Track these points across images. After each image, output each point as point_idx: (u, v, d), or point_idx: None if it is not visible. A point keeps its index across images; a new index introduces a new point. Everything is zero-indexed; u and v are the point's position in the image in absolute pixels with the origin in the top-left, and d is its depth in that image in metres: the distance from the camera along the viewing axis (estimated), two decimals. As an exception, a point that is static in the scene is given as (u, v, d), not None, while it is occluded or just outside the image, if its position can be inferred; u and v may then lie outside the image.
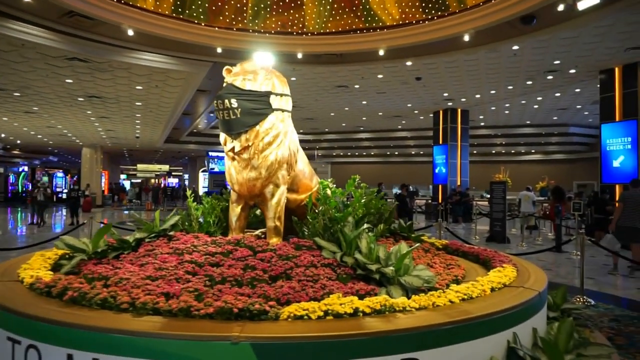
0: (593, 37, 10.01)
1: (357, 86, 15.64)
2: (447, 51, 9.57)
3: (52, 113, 15.58)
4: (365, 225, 3.29)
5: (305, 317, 2.15)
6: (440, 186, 20.14)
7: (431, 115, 20.60)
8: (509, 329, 2.43)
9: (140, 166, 43.30)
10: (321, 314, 2.18)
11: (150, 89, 11.42)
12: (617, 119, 12.59)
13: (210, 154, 31.86)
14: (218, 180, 29.62)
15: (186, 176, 45.51)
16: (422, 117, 22.08)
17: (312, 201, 3.71)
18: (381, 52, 9.06)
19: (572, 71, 13.30)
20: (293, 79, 14.44)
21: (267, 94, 3.59)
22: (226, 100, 3.41)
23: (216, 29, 8.83)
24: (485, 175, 23.35)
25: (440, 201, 19.48)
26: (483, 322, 2.29)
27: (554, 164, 28.62)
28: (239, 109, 3.44)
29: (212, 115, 21.06)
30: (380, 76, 14.13)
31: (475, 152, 28.96)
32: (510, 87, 15.51)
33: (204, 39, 8.64)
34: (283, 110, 3.72)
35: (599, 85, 13.32)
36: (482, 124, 24.50)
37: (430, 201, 21.21)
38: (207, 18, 9.26)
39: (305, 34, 9.24)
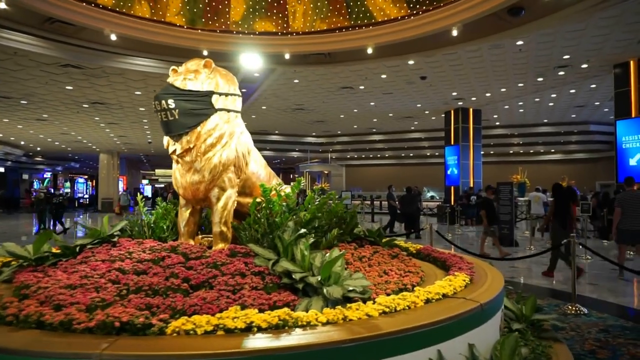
0: (600, 29, 9.52)
1: (362, 87, 15.42)
2: (439, 47, 9.24)
3: (62, 120, 15.90)
4: (302, 230, 3.09)
5: (192, 332, 1.97)
6: (452, 188, 19.66)
7: (443, 115, 20.17)
8: (433, 345, 2.19)
9: (158, 171, 43.98)
10: (210, 328, 1.99)
11: (149, 94, 11.49)
12: (632, 115, 11.98)
13: (224, 158, 32.01)
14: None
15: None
16: (434, 118, 21.66)
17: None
18: (369, 50, 8.82)
19: (584, 66, 12.75)
20: (296, 81, 14.35)
21: (209, 94, 3.43)
22: (163, 101, 3.27)
23: (199, 31, 8.79)
24: (502, 176, 22.64)
25: (452, 203, 19.03)
26: (397, 338, 2.06)
27: (575, 163, 27.62)
28: (177, 110, 3.29)
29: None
30: (384, 76, 13.88)
31: (491, 152, 28.27)
32: (521, 85, 15.00)
33: (187, 42, 8.60)
34: (228, 110, 3.56)
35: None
36: (497, 123, 23.86)
37: (442, 203, 20.73)
38: (203, 22, 9.26)
39: (291, 34, 9.09)
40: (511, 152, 28.56)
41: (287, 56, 9.27)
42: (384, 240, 4.61)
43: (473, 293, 2.75)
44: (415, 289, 2.70)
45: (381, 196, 24.70)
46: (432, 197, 28.22)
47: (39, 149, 26.91)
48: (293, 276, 2.64)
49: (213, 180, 3.45)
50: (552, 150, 27.88)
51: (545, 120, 23.41)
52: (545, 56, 11.81)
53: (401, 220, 13.87)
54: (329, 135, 29.32)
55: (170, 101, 3.28)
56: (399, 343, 2.06)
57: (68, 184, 36.39)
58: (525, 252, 10.15)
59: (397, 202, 14.31)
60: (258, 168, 3.93)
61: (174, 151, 3.45)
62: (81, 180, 37.61)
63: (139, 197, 4.03)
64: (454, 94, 16.36)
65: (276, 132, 27.92)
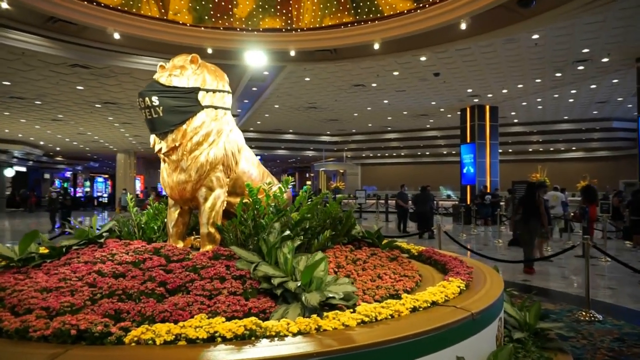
0: (620, 20, 9.11)
1: (374, 85, 15.21)
2: (449, 41, 8.93)
3: (77, 120, 16.11)
4: (286, 232, 2.94)
5: (150, 341, 1.85)
6: (468, 187, 19.26)
7: (458, 113, 19.78)
8: (416, 358, 2.02)
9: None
10: (170, 338, 1.86)
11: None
12: (656, 111, 11.46)
13: (240, 156, 32.11)
14: (248, 183, 29.86)
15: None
16: (449, 115, 21.28)
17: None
18: (376, 46, 8.60)
19: (605, 60, 12.27)
20: (307, 79, 14.23)
21: (194, 90, 3.31)
22: (146, 98, 3.17)
23: (202, 29, 8.70)
24: (521, 174, 22.12)
25: (468, 202, 18.64)
26: (374, 351, 1.89)
27: (598, 161, 26.79)
28: (161, 107, 3.18)
29: (233, 117, 21.17)
30: (396, 73, 13.63)
31: (510, 150, 27.68)
32: (539, 81, 14.55)
33: (191, 40, 8.53)
34: (216, 107, 3.43)
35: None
36: (515, 120, 23.29)
37: (458, 202, 20.33)
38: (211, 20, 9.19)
39: (295, 30, 8.94)
40: (530, 150, 27.89)
41: (292, 53, 9.12)
42: (384, 241, 4.44)
43: (466, 301, 2.56)
44: (403, 296, 2.52)
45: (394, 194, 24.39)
46: (448, 196, 27.77)
47: (58, 148, 27.43)
48: (272, 281, 2.49)
49: (200, 180, 3.33)
50: (574, 148, 27.11)
51: (566, 117, 22.73)
52: (563, 50, 11.40)
53: (414, 219, 13.60)
54: (344, 134, 29.11)
55: (154, 98, 3.17)
56: (376, 356, 1.90)
57: (88, 183, 37.06)
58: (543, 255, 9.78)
59: (409, 202, 14.06)
60: (250, 167, 3.80)
61: (160, 150, 3.35)
62: (100, 179, 38.27)
63: (129, 197, 3.94)
64: (469, 90, 15.99)
65: (290, 131, 27.85)
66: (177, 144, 3.28)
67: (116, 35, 7.82)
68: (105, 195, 36.86)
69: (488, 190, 18.11)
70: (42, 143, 24.15)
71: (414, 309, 2.35)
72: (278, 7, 8.92)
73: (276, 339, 1.90)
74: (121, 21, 7.71)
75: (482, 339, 2.45)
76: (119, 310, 2.30)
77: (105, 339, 1.88)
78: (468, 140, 19.12)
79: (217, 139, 3.42)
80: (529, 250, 7.83)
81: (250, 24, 8.84)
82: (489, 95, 16.83)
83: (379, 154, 32.76)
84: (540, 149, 27.76)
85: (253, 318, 2.00)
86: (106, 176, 42.40)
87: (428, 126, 25.46)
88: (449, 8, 7.28)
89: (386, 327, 2.07)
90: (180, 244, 3.54)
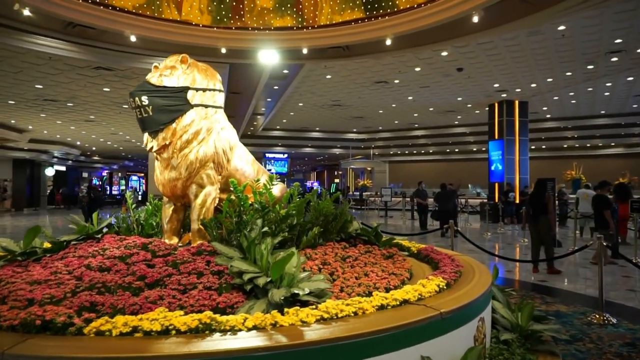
0: (652, 8, 8.62)
1: (396, 81, 15.02)
2: (464, 35, 8.66)
3: (108, 120, 16.74)
4: (265, 228, 2.97)
5: (107, 333, 1.91)
6: (496, 184, 18.73)
7: (487, 108, 19.26)
8: (374, 356, 2.00)
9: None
10: (127, 329, 1.92)
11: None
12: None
13: (267, 155, 32.49)
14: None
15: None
16: (477, 111, 20.76)
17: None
18: (388, 42, 8.47)
19: (640, 51, 11.64)
20: (328, 76, 14.22)
21: (183, 90, 3.39)
22: (137, 98, 3.27)
23: (215, 29, 8.84)
24: (555, 172, 21.25)
25: (496, 200, 18.15)
26: (326, 348, 1.89)
27: (639, 157, 25.44)
28: (151, 107, 3.28)
29: (258, 116, 21.45)
30: (417, 69, 13.43)
31: (543, 147, 26.71)
32: (569, 74, 13.97)
33: (205, 40, 8.68)
34: (206, 106, 3.50)
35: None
36: (548, 116, 22.44)
37: (486, 200, 19.80)
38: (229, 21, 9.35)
39: (306, 28, 8.92)
40: (565, 146, 26.80)
41: (304, 51, 9.13)
42: (383, 239, 4.40)
43: (441, 299, 2.51)
44: (374, 293, 2.50)
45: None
46: (478, 193, 27.07)
47: (94, 148, 28.56)
48: (242, 277, 2.53)
49: (190, 177, 3.41)
50: (612, 144, 25.87)
51: (603, 112, 21.71)
52: (593, 41, 10.90)
53: (436, 217, 13.37)
54: (370, 131, 28.89)
55: (144, 98, 3.27)
56: (328, 353, 1.89)
57: (123, 181, 38.44)
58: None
59: (426, 200, 13.83)
60: (243, 165, 3.84)
61: (151, 148, 3.45)
62: (135, 177, 39.60)
63: (128, 194, 4.07)
64: (496, 85, 15.54)
65: (317, 128, 27.90)
66: (167, 142, 3.38)
67: (133, 38, 8.09)
68: (139, 192, 38.12)
69: (516, 188, 17.57)
70: (78, 143, 25.20)
71: (382, 307, 2.33)
72: (292, 6, 8.94)
73: (229, 333, 1.93)
74: (136, 24, 7.96)
75: (455, 339, 2.39)
76: (94, 302, 2.39)
77: (66, 330, 1.96)
78: (496, 137, 18.60)
79: (207, 137, 3.48)
80: (536, 250, 7.56)
81: (262, 22, 8.92)
82: (517, 90, 16.31)
83: (406, 151, 32.33)
84: (576, 145, 26.65)
85: (208, 312, 2.03)
86: (141, 174, 43.82)
87: (456, 122, 24.93)
88: (460, 0, 7.07)
89: (344, 325, 2.06)
90: (175, 240, 3.63)
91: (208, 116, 3.50)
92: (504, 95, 17.14)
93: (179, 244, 3.54)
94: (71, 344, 1.83)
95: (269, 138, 29.14)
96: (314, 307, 2.20)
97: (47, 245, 3.69)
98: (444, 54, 11.64)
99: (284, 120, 24.07)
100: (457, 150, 30.21)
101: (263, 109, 19.50)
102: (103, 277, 2.71)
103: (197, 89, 3.47)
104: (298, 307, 2.16)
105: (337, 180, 43.16)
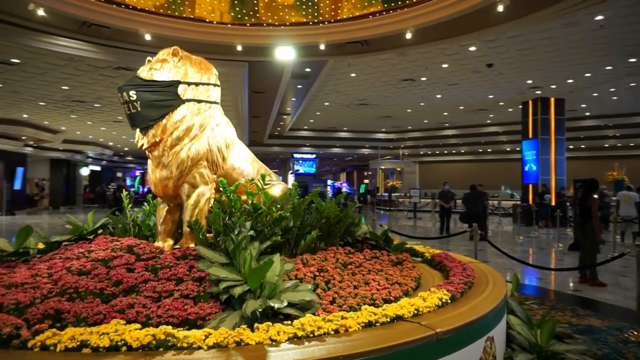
0: (701, -6, 7.89)
1: (423, 79, 14.56)
2: (489, 26, 8.12)
3: (136, 121, 16.97)
4: (251, 232, 2.73)
5: (52, 347, 1.72)
6: (530, 185, 17.91)
7: (520, 106, 18.46)
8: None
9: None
10: (73, 344, 1.73)
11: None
12: None
13: (295, 155, 32.43)
14: (302, 182, 30.12)
15: (280, 178, 47.13)
16: (510, 110, 19.95)
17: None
18: (408, 35, 8.06)
19: (688, 42, 10.76)
20: (352, 75, 13.93)
21: (174, 84, 3.21)
22: (124, 93, 3.11)
23: (229, 25, 8.70)
24: (595, 172, 20.08)
25: (530, 202, 17.35)
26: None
27: (689, 158, 23.82)
28: (139, 102, 3.11)
29: (284, 116, 21.36)
30: (445, 65, 12.93)
31: (582, 146, 25.43)
32: (609, 68, 13.12)
33: (220, 38, 8.54)
34: (199, 101, 3.31)
35: None
36: (587, 113, 21.29)
37: (520, 202, 18.95)
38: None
39: (322, 23, 8.64)
40: (606, 145, 25.41)
41: (322, 47, 8.86)
42: (394, 243, 4.10)
43: (441, 316, 2.21)
44: (362, 307, 2.22)
45: (455, 195, 23.30)
46: (512, 195, 26.06)
47: (126, 148, 29.27)
48: (219, 285, 2.30)
49: (182, 176, 3.22)
50: (659, 144, 24.33)
51: (648, 109, 20.41)
52: (635, 32, 10.13)
53: (464, 220, 12.82)
54: (399, 130, 28.32)
55: (132, 92, 3.10)
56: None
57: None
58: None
59: (450, 202, 13.30)
60: (241, 163, 3.62)
61: (142, 146, 3.28)
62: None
63: (124, 193, 3.93)
64: (529, 82, 14.82)
65: (345, 128, 27.60)
66: (157, 140, 3.20)
67: (147, 37, 8.07)
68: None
69: (551, 190, 16.73)
70: (111, 144, 25.87)
71: (369, 324, 2.05)
72: (311, 3, 8.71)
73: (185, 352, 1.70)
74: (151, 22, 7.93)
75: (455, 362, 2.09)
76: (59, 310, 2.22)
77: (13, 342, 1.79)
78: (530, 136, 17.78)
79: (200, 133, 3.29)
80: (584, 257, 6.97)
81: (277, 18, 8.71)
82: (553, 86, 15.50)
83: (437, 151, 31.54)
84: (618, 145, 25.22)
85: (164, 327, 1.81)
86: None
87: (488, 121, 24.07)
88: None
89: (319, 345, 1.79)
90: (170, 242, 3.45)
91: (201, 112, 3.31)
92: (539, 92, 16.35)
93: (177, 246, 3.37)
94: (12, 358, 1.65)
95: (296, 138, 29.06)
96: (289, 322, 1.95)
97: (41, 245, 3.59)
98: (472, 49, 11.13)
99: (311, 120, 23.91)
100: (489, 150, 29.22)
101: (289, 108, 19.37)
102: (77, 281, 2.54)
103: (189, 83, 3.28)
104: (269, 323, 1.91)
105: (366, 181, 42.68)
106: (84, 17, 7.47)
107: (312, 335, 1.87)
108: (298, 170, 32.89)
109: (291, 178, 35.47)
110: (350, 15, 8.47)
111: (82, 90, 11.72)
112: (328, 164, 46.40)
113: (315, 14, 8.83)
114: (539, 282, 7.12)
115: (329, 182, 41.23)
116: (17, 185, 22.98)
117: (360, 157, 36.38)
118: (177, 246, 3.36)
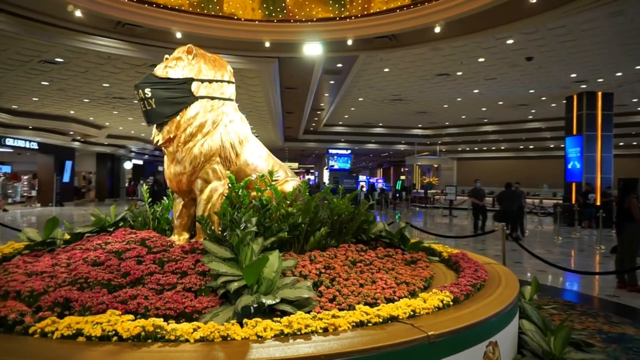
0: None
1: (459, 73, 14.15)
2: (523, 18, 7.73)
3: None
4: (254, 228, 2.75)
5: (50, 334, 1.81)
6: (573, 184, 17.08)
7: (564, 101, 17.61)
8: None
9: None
10: (69, 332, 1.80)
11: (239, 89, 12.00)
12: None
13: (330, 151, 32.45)
14: (337, 177, 30.15)
15: (316, 173, 47.34)
16: (554, 105, 19.07)
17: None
18: (437, 29, 7.81)
19: None
20: (386, 70, 13.74)
21: (187, 81, 3.28)
22: (140, 91, 3.22)
23: (257, 22, 8.75)
24: (646, 171, 19.02)
25: (573, 201, 16.57)
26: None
27: None
28: (154, 99, 3.21)
29: (319, 112, 21.37)
30: (481, 60, 12.51)
31: (633, 143, 24.02)
32: (662, 60, 12.27)
33: (248, 35, 8.62)
34: (213, 98, 3.37)
35: None
36: (639, 109, 20.04)
37: (562, 202, 18.13)
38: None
39: (349, 18, 8.52)
40: (660, 142, 23.87)
41: (349, 42, 8.77)
42: (411, 242, 4.04)
43: (439, 318, 2.15)
44: (357, 307, 2.20)
45: (494, 192, 22.59)
46: (554, 194, 24.99)
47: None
48: (217, 280, 2.34)
49: (195, 172, 3.29)
50: None
51: None
52: (691, 21, 9.42)
53: (499, 219, 12.41)
54: (436, 126, 27.72)
55: (147, 90, 3.20)
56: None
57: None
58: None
59: (483, 200, 12.86)
60: (255, 159, 3.65)
61: (157, 141, 3.38)
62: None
63: (144, 188, 4.06)
64: (573, 75, 14.09)
65: (380, 124, 27.30)
66: (172, 136, 3.29)
67: (178, 35, 8.28)
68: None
69: (597, 189, 15.89)
70: (151, 139, 26.79)
71: (360, 324, 2.02)
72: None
73: (171, 344, 1.74)
74: (181, 21, 8.14)
75: (450, 367, 2.02)
76: (68, 298, 2.33)
77: (17, 327, 1.89)
78: (574, 132, 16.93)
79: (213, 130, 3.34)
80: (622, 260, 6.58)
81: (303, 13, 8.70)
82: (600, 80, 14.67)
83: (475, 148, 30.65)
84: (674, 142, 23.63)
85: (154, 319, 1.86)
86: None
87: (530, 117, 23.11)
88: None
89: (305, 344, 1.78)
90: (185, 236, 3.54)
91: (214, 108, 3.36)
92: (584, 86, 15.53)
93: (193, 240, 3.45)
94: (9, 345, 1.74)
95: (331, 134, 29.03)
96: (278, 319, 1.95)
97: (67, 236, 3.76)
98: (510, 42, 10.70)
99: (346, 116, 23.80)
100: (531, 146, 28.10)
101: (323, 104, 19.36)
102: (89, 272, 2.65)
103: (202, 80, 3.34)
104: (258, 319, 1.92)
105: (402, 177, 42.14)
106: (117, 17, 7.79)
107: (299, 333, 1.87)
108: (333, 166, 32.91)
109: (326, 173, 35.55)
110: (377, 10, 8.35)
111: (121, 87, 12.22)
112: (364, 159, 46.15)
113: (342, 9, 8.76)
114: (573, 286, 6.79)
115: (362, 177, 40.96)
116: (66, 178, 24.28)
117: (397, 153, 35.91)
118: (192, 240, 3.44)
